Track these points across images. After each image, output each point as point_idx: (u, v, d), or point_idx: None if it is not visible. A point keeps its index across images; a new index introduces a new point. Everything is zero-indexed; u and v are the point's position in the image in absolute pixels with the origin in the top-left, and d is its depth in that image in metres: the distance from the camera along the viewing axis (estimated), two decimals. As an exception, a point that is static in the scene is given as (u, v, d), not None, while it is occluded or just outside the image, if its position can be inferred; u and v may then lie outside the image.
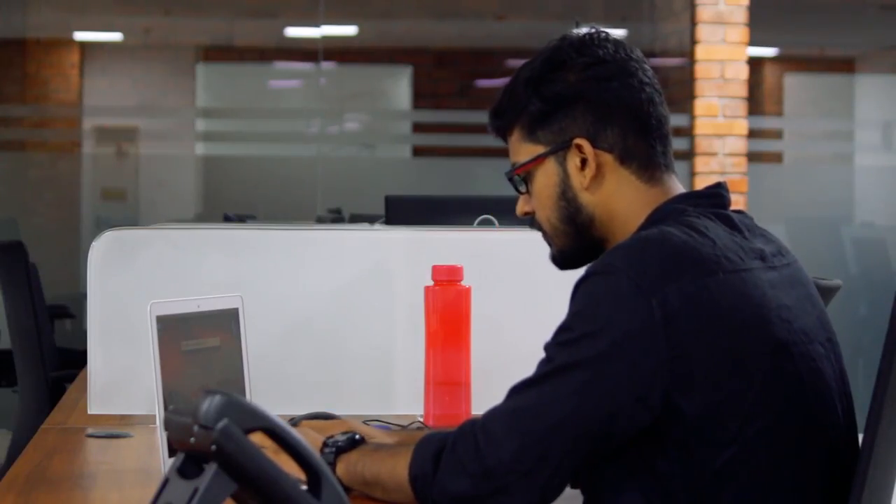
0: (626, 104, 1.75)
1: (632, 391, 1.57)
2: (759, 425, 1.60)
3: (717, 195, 1.76)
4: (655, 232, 1.66)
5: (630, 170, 1.76)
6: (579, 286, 1.64)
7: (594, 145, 1.75)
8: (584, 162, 1.75)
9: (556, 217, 1.79)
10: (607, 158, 1.75)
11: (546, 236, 1.83)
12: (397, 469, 1.68)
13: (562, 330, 1.63)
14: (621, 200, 1.76)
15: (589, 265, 1.66)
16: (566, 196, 1.77)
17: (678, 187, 1.78)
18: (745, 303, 1.62)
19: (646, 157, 1.76)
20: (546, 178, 1.78)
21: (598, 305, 1.60)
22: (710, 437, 1.59)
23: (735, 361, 1.59)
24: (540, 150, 1.78)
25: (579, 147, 1.75)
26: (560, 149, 1.76)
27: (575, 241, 1.79)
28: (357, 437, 1.80)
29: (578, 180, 1.76)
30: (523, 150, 1.80)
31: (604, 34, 1.79)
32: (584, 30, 1.79)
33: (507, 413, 1.61)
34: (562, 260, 1.83)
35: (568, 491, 1.70)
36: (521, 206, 1.83)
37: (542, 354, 1.65)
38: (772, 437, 1.61)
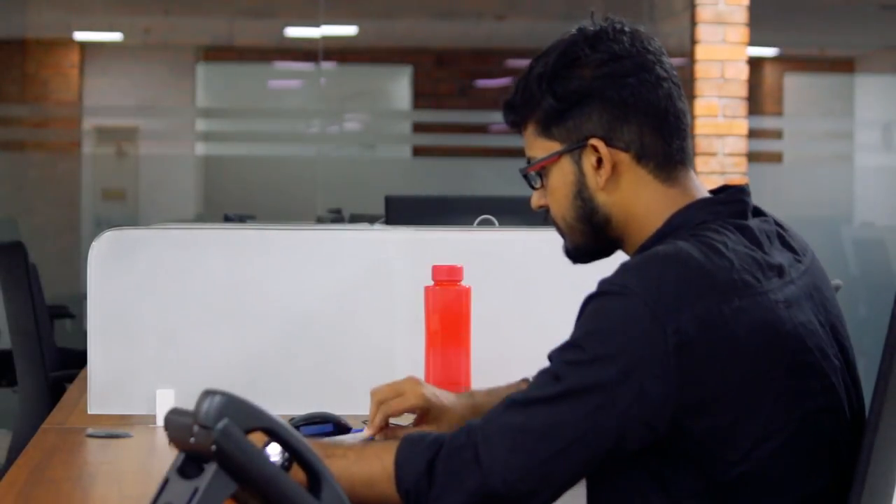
0: (643, 102, 1.70)
1: (641, 416, 1.55)
2: (770, 446, 1.58)
3: (738, 202, 1.71)
4: (672, 250, 1.62)
5: (647, 169, 1.71)
6: (591, 302, 1.60)
7: (609, 144, 1.70)
8: (599, 161, 1.71)
9: (572, 216, 1.74)
10: (623, 157, 1.70)
11: (560, 231, 1.78)
12: (374, 477, 1.61)
13: (572, 347, 1.59)
14: (639, 201, 1.71)
15: (602, 281, 1.61)
16: (582, 196, 1.73)
17: (697, 186, 1.74)
18: (761, 329, 1.58)
19: (663, 154, 1.72)
20: (561, 176, 1.73)
21: (611, 328, 1.56)
22: (719, 456, 1.57)
23: (748, 387, 1.57)
24: (555, 147, 1.73)
25: (594, 147, 1.70)
26: (575, 147, 1.71)
27: (590, 239, 1.75)
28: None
29: (594, 180, 1.71)
30: (538, 145, 1.75)
31: (619, 25, 1.73)
32: (599, 21, 1.73)
33: (513, 430, 1.57)
34: (575, 255, 1.79)
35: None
36: (537, 200, 1.78)
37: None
38: (783, 456, 1.59)
